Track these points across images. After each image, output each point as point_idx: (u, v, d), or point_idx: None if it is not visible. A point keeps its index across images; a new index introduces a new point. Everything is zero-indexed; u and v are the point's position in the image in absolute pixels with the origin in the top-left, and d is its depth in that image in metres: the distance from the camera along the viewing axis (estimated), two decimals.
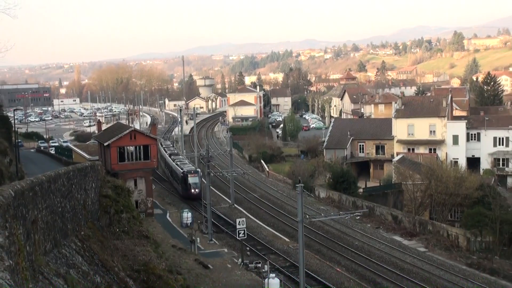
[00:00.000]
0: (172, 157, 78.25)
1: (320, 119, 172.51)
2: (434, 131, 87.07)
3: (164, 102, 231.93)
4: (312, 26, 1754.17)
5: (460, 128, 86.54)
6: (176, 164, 72.96)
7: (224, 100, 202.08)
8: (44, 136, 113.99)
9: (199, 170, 71.07)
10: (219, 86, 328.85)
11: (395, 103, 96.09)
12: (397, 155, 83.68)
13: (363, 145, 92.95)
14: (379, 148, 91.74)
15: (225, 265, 45.58)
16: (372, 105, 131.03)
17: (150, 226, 50.98)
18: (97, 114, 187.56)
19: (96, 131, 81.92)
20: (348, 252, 51.28)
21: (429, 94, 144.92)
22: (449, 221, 61.27)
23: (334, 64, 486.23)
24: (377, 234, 58.55)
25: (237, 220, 48.74)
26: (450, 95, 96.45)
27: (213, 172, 62.71)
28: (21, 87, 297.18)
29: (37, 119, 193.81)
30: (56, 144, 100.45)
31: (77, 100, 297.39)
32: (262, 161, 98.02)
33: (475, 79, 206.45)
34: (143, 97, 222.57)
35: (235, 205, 67.86)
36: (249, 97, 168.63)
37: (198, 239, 51.04)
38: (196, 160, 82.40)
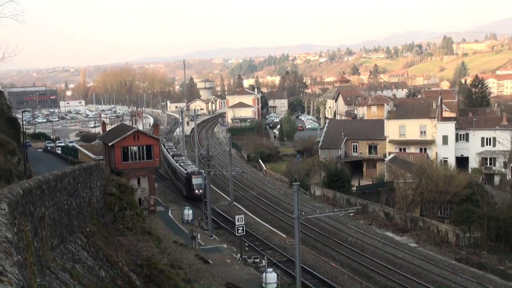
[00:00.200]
0: (175, 158, 77.48)
1: (315, 120, 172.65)
2: (424, 132, 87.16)
3: (166, 104, 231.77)
4: (308, 31, 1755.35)
5: (449, 128, 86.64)
6: (180, 165, 72.13)
7: (224, 102, 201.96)
8: (51, 137, 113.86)
9: (203, 171, 69.24)
10: (218, 88, 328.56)
11: (387, 105, 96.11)
12: (389, 155, 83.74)
13: (356, 145, 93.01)
14: (372, 148, 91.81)
15: (224, 260, 45.57)
16: (365, 107, 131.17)
17: (153, 222, 50.99)
18: (102, 115, 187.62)
19: (101, 132, 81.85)
20: (342, 247, 51.31)
21: (419, 96, 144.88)
22: (439, 218, 61.33)
23: (328, 68, 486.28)
24: (370, 230, 58.61)
25: (236, 217, 48.77)
26: (440, 97, 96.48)
27: (213, 171, 62.69)
28: (29, 89, 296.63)
29: (44, 121, 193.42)
30: (63, 144, 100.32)
31: (83, 102, 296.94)
32: (260, 161, 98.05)
33: (463, 82, 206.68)
34: (146, 99, 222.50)
35: (234, 202, 67.88)
36: (248, 99, 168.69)
37: (198, 235, 51.05)
38: (197, 160, 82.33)
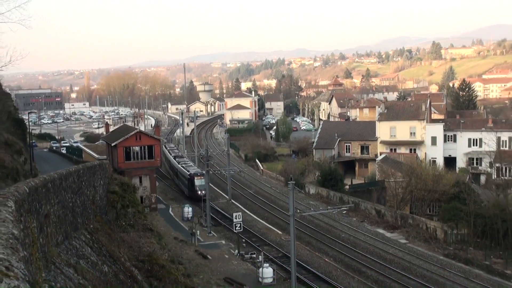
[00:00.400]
0: (177, 159, 76.57)
1: (310, 121, 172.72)
2: (414, 133, 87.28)
3: (167, 106, 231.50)
4: (303, 36, 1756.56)
5: (438, 130, 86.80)
6: (182, 167, 71.04)
7: (222, 104, 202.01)
8: (56, 137, 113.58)
9: (205, 172, 69.29)
10: (217, 91, 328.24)
11: (379, 107, 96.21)
12: (380, 155, 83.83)
13: (349, 146, 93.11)
14: (364, 148, 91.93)
15: (222, 256, 45.56)
16: (358, 109, 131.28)
17: (154, 220, 50.94)
18: (105, 117, 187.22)
19: (104, 133, 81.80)
20: (336, 243, 51.33)
21: (409, 99, 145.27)
22: (427, 215, 61.40)
23: (322, 72, 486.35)
24: (362, 227, 58.64)
25: (234, 214, 48.76)
26: (428, 100, 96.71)
27: (212, 170, 62.68)
28: (35, 92, 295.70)
29: (49, 122, 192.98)
30: (67, 144, 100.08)
31: (87, 104, 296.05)
32: (257, 160, 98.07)
33: (451, 86, 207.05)
34: (147, 101, 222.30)
35: (232, 200, 67.84)
36: (245, 102, 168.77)
37: (198, 231, 51.04)
38: (196, 160, 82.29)
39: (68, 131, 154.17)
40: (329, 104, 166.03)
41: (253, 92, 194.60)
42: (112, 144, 60.23)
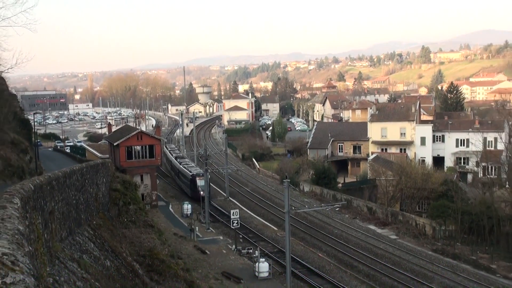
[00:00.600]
0: (178, 160, 75.33)
1: (305, 122, 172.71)
2: (404, 133, 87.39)
3: (167, 107, 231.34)
4: (298, 41, 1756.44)
5: (427, 130, 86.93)
6: (184, 167, 69.45)
7: (220, 106, 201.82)
8: (61, 137, 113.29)
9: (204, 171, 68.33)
10: (215, 93, 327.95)
11: (370, 108, 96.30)
12: (371, 154, 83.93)
13: (342, 146, 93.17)
14: (356, 148, 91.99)
15: (220, 251, 45.56)
16: (350, 111, 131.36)
17: (155, 216, 50.91)
18: (108, 117, 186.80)
19: (107, 133, 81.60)
20: (329, 239, 51.36)
21: (400, 101, 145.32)
22: (417, 212, 61.51)
23: (317, 74, 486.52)
24: (354, 223, 58.67)
25: (231, 211, 48.77)
26: (418, 102, 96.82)
27: (210, 169, 62.61)
28: (40, 93, 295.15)
29: (54, 122, 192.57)
30: (71, 143, 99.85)
31: (90, 105, 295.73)
32: (253, 159, 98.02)
33: (440, 88, 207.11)
34: (148, 102, 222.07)
35: (229, 198, 67.81)
36: (242, 103, 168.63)
37: (197, 228, 51.04)
38: (195, 159, 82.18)
39: (72, 131, 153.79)
40: (323, 105, 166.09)
41: (250, 94, 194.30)
42: (115, 144, 60.14)
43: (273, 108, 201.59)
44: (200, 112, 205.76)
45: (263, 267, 39.26)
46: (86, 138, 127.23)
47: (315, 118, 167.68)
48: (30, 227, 10.79)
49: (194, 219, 55.50)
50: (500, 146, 76.44)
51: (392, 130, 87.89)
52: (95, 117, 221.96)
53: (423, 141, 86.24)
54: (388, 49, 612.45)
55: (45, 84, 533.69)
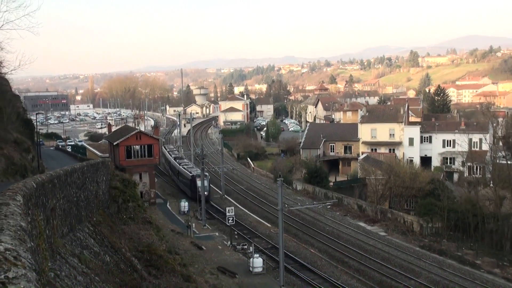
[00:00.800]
0: (177, 160, 74.13)
1: (298, 123, 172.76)
2: (393, 134, 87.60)
3: (165, 108, 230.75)
4: (291, 45, 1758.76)
5: (415, 132, 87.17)
6: (183, 168, 68.40)
7: (216, 107, 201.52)
8: (62, 136, 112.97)
9: (207, 173, 65.42)
10: (212, 95, 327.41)
11: (361, 110, 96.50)
12: (362, 154, 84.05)
13: (333, 146, 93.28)
14: (347, 148, 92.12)
15: (216, 247, 45.52)
16: (341, 112, 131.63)
17: (153, 213, 50.81)
18: (108, 118, 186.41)
19: (107, 132, 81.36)
20: (321, 236, 51.42)
21: (389, 103, 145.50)
22: (405, 210, 61.66)
23: (309, 77, 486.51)
24: (345, 220, 58.78)
25: (227, 209, 48.77)
26: (406, 104, 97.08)
27: (206, 168, 62.53)
28: (42, 94, 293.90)
29: (56, 122, 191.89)
30: (72, 143, 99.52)
31: (91, 106, 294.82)
32: (248, 159, 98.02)
33: (427, 91, 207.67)
34: (147, 103, 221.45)
35: (225, 196, 67.76)
36: (238, 105, 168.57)
37: (193, 224, 50.98)
38: (192, 158, 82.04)
39: (73, 130, 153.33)
40: (315, 107, 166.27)
41: (245, 96, 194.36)
42: (114, 143, 60.00)
43: (268, 110, 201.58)
44: (197, 113, 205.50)
45: (257, 262, 39.27)
46: (86, 138, 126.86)
47: (307, 119, 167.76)
48: (32, 223, 10.75)
49: (191, 216, 55.47)
50: (485, 147, 76.71)
51: (382, 131, 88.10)
52: (95, 117, 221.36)
53: (411, 141, 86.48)
54: (378, 53, 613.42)
55: (47, 85, 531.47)
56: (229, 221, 47.08)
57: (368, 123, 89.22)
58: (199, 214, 56.37)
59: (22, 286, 4.76)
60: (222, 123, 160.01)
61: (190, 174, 64.66)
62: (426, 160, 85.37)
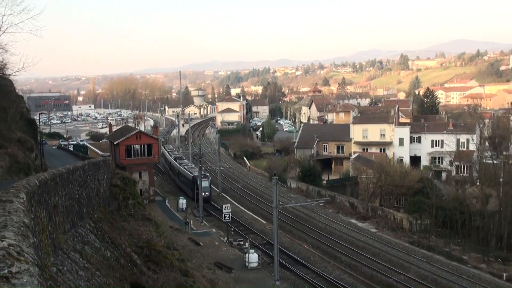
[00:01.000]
0: (178, 161, 72.65)
1: (292, 124, 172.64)
2: (384, 135, 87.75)
3: (164, 109, 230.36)
4: (286, 48, 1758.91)
5: (405, 132, 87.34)
6: (184, 169, 66.84)
7: (214, 108, 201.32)
8: (64, 136, 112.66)
9: (208, 174, 64.24)
10: (209, 96, 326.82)
11: (353, 111, 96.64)
12: (354, 154, 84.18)
13: (326, 146, 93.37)
14: (340, 148, 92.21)
15: (213, 243, 45.51)
16: (334, 113, 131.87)
17: (152, 210, 50.73)
18: (109, 118, 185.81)
19: (108, 132, 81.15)
20: (314, 232, 51.49)
21: (380, 104, 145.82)
22: (395, 207, 61.80)
23: (303, 79, 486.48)
24: (337, 217, 58.86)
25: (224, 206, 48.79)
26: (397, 106, 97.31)
27: (204, 166, 62.46)
28: (45, 95, 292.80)
29: (58, 122, 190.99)
30: (74, 142, 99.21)
31: (92, 106, 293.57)
32: (244, 158, 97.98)
33: (417, 93, 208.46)
34: (147, 104, 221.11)
35: (222, 193, 67.72)
36: (234, 106, 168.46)
37: (191, 221, 50.95)
38: (190, 157, 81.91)
39: (75, 130, 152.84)
40: (309, 108, 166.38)
41: (241, 97, 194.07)
42: (115, 143, 59.88)
43: (263, 111, 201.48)
44: (195, 113, 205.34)
45: (253, 257, 39.29)
46: (88, 137, 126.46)
47: (301, 120, 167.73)
48: (35, 220, 10.72)
49: (188, 213, 55.41)
50: (472, 147, 77.01)
51: (373, 132, 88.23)
52: (96, 117, 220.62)
53: (401, 141, 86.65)
54: (369, 56, 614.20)
55: (50, 87, 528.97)
56: (226, 218, 47.09)
57: (359, 124, 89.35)
58: (196, 211, 56.32)
59: (25, 280, 4.76)
60: (219, 124, 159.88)
61: (191, 175, 63.35)
62: (415, 160, 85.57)
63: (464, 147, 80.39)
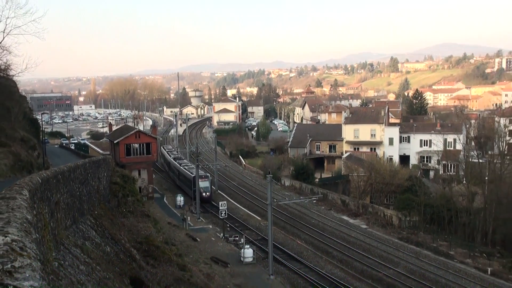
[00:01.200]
0: (177, 161, 71.41)
1: (286, 124, 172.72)
2: (374, 134, 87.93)
3: (163, 109, 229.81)
4: (281, 50, 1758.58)
5: (394, 132, 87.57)
6: (184, 169, 65.45)
7: (211, 108, 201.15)
8: (66, 135, 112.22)
9: (209, 174, 63.42)
10: (206, 97, 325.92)
11: (345, 112, 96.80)
12: (345, 153, 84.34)
13: (319, 145, 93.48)
14: (332, 147, 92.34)
15: (210, 238, 45.48)
16: (327, 114, 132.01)
17: (151, 207, 50.62)
18: (109, 118, 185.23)
19: (108, 131, 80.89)
20: (307, 228, 51.54)
21: (370, 105, 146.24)
22: (385, 204, 62.00)
23: (297, 81, 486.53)
24: (329, 214, 58.94)
25: (220, 203, 48.74)
26: (387, 107, 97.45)
27: (201, 164, 62.37)
28: (47, 95, 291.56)
29: (60, 121, 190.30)
30: (76, 141, 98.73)
31: (93, 106, 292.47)
32: (240, 157, 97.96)
33: (406, 95, 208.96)
34: (145, 104, 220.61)
35: (218, 191, 67.63)
36: (230, 106, 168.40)
37: (188, 217, 50.88)
38: (188, 155, 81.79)
39: (76, 129, 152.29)
40: (302, 109, 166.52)
41: (237, 98, 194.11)
42: (115, 141, 59.72)
43: (258, 111, 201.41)
44: (193, 113, 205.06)
45: (248, 253, 39.30)
46: (89, 136, 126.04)
47: (295, 120, 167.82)
48: (38, 216, 10.68)
49: (186, 210, 55.36)
50: (459, 146, 77.29)
51: (364, 132, 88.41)
52: (97, 117, 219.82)
53: (391, 141, 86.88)
54: (360, 59, 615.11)
55: (52, 87, 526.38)
56: (222, 215, 47.07)
57: (351, 124, 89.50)
58: (194, 208, 56.25)
59: (27, 275, 4.74)
60: (215, 123, 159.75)
61: (192, 175, 61.51)
62: (404, 159, 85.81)
63: (451, 147, 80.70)
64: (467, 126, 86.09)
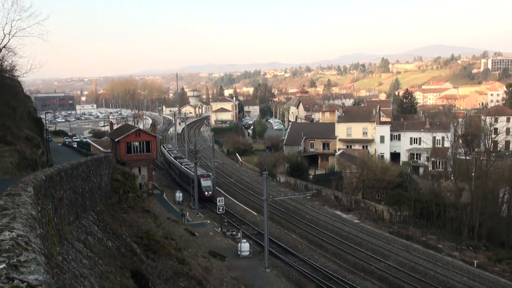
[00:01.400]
0: (178, 160, 70.58)
1: (281, 122, 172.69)
2: (366, 133, 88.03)
3: (162, 108, 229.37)
4: (276, 52, 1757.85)
5: (385, 130, 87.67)
6: (186, 168, 64.22)
7: (208, 107, 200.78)
8: (69, 133, 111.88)
9: (211, 173, 62.71)
10: (204, 96, 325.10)
11: (338, 111, 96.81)
12: (338, 150, 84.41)
13: (313, 143, 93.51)
14: (325, 145, 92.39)
15: (208, 233, 45.50)
16: (320, 113, 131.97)
17: (151, 203, 50.61)
18: (110, 117, 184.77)
19: (109, 130, 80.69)
20: (301, 223, 51.61)
21: (363, 105, 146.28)
22: (376, 200, 62.11)
23: (292, 81, 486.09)
24: (323, 209, 59.02)
25: (217, 199, 48.78)
26: (378, 106, 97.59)
27: (199, 162, 62.32)
28: (51, 95, 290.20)
29: (63, 120, 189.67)
30: (78, 139, 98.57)
31: (95, 106, 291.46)
32: (237, 154, 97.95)
33: (397, 94, 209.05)
34: (145, 104, 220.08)
35: (216, 187, 67.54)
36: (228, 106, 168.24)
37: (187, 213, 50.89)
38: (186, 153, 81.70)
39: (79, 128, 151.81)
40: (297, 108, 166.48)
41: (234, 98, 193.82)
42: (116, 140, 59.60)
43: (254, 110, 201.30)
44: (191, 113, 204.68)
45: (245, 247, 39.36)
46: (91, 135, 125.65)
47: (290, 119, 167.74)
48: (42, 212, 10.68)
49: (185, 205, 55.35)
50: (447, 144, 77.58)
51: (356, 130, 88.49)
52: (98, 116, 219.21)
53: (382, 139, 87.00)
54: (353, 60, 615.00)
55: (55, 87, 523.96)
56: (220, 210, 47.10)
57: (344, 123, 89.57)
58: (192, 204, 56.22)
59: (32, 268, 4.76)
60: (213, 122, 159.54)
61: (193, 174, 62.09)
62: (395, 156, 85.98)
63: (439, 144, 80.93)
64: (455, 124, 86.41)
